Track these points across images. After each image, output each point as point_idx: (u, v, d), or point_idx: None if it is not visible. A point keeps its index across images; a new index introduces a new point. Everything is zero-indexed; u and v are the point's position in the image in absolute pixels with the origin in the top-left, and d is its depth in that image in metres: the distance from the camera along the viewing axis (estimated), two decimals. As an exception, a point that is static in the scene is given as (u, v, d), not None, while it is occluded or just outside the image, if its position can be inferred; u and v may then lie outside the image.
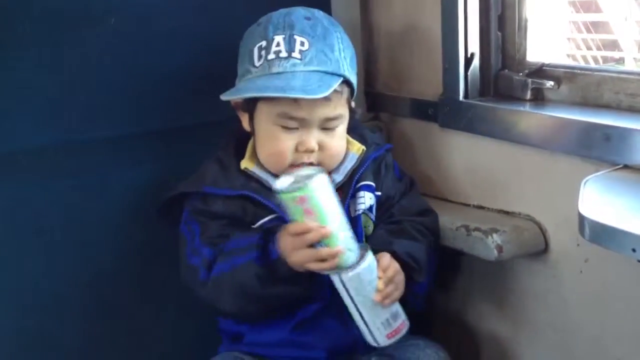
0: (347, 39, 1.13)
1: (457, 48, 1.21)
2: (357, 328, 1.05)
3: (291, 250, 1.01)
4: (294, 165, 1.09)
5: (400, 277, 1.07)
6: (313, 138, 1.08)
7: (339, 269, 1.00)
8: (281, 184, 0.99)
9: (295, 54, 1.07)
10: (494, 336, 1.27)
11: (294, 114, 1.07)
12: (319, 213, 0.97)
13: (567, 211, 1.06)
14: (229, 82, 1.12)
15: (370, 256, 1.02)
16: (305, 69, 1.07)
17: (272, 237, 1.04)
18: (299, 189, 0.96)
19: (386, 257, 1.06)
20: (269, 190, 1.09)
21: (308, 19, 1.10)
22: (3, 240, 1.15)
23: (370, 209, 1.16)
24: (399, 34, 1.37)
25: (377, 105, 1.44)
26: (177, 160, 1.24)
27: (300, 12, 1.11)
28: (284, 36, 1.08)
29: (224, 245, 1.09)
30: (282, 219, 1.07)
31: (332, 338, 1.10)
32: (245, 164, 1.13)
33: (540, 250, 1.15)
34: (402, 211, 1.20)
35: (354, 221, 1.14)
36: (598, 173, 1.00)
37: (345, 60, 1.10)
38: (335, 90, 1.06)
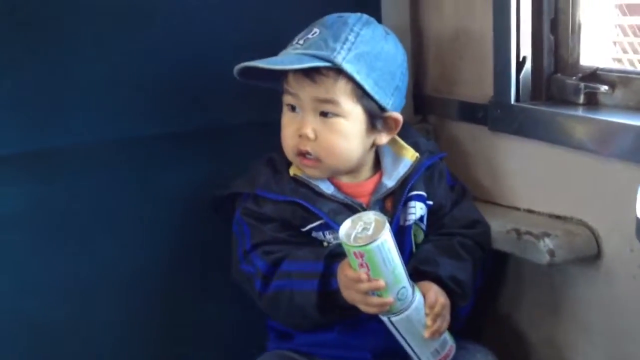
0: (375, 40, 1.10)
1: (509, 51, 1.20)
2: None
3: (344, 288, 1.03)
4: (299, 154, 1.10)
5: (447, 309, 1.07)
6: (309, 123, 1.09)
7: (385, 313, 1.02)
8: (344, 229, 0.99)
9: (301, 41, 1.09)
10: (544, 342, 1.26)
11: (288, 88, 1.09)
12: (374, 269, 0.98)
13: (621, 216, 1.05)
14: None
15: (417, 297, 1.03)
16: (299, 52, 1.08)
17: (334, 265, 1.05)
18: (358, 245, 0.97)
19: (432, 294, 1.06)
20: (318, 195, 1.11)
21: (340, 16, 1.11)
22: (54, 234, 1.17)
23: (421, 219, 1.16)
24: (448, 37, 1.37)
25: (426, 108, 1.44)
26: (224, 159, 1.25)
27: (350, 15, 1.11)
28: (308, 28, 1.10)
29: (280, 258, 1.09)
30: (329, 226, 1.10)
31: (378, 340, 1.11)
32: (294, 170, 1.14)
33: (593, 256, 1.14)
34: (453, 222, 1.19)
35: (404, 231, 1.14)
36: (654, 178, 0.99)
37: (347, 52, 1.06)
38: (322, 74, 1.06)
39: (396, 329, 1.03)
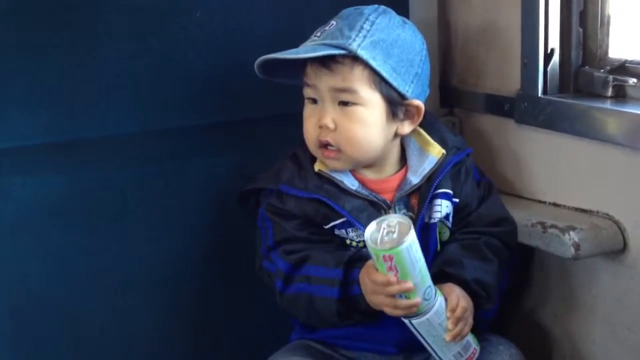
0: (391, 28, 1.09)
1: (537, 44, 1.20)
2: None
3: (370, 292, 1.02)
4: (320, 146, 1.10)
5: (469, 312, 1.06)
6: (328, 113, 1.09)
7: (411, 315, 1.02)
8: (370, 233, 0.98)
9: (318, 33, 1.10)
10: (568, 335, 1.26)
11: (306, 80, 1.10)
12: (402, 271, 0.98)
13: (648, 210, 1.05)
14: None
15: (438, 300, 1.02)
16: (315, 43, 1.08)
17: (354, 271, 1.05)
18: (386, 249, 0.96)
19: (454, 297, 1.05)
20: (342, 191, 1.11)
21: (357, 8, 1.11)
22: (85, 224, 1.19)
23: (446, 216, 1.15)
24: (476, 30, 1.37)
25: (452, 101, 1.44)
26: (257, 151, 1.27)
27: (367, 6, 1.11)
28: (328, 22, 1.11)
29: (301, 259, 1.10)
30: (351, 224, 1.09)
31: (403, 333, 1.10)
32: (319, 165, 1.14)
33: (618, 250, 1.13)
34: (479, 220, 1.18)
35: (429, 228, 1.13)
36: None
37: (362, 39, 1.06)
38: (338, 62, 1.06)
39: (418, 331, 1.03)
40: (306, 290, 1.08)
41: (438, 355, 1.06)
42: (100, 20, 1.15)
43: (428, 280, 1.01)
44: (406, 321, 1.03)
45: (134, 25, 1.17)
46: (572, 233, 1.12)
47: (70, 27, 1.13)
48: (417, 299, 1.00)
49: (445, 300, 1.04)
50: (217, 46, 1.23)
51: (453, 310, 1.03)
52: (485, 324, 1.14)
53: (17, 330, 1.18)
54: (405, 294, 0.99)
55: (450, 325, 1.03)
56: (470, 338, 1.08)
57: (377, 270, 0.99)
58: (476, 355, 1.09)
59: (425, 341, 1.05)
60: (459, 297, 1.05)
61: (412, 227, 0.97)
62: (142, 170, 1.22)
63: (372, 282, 1.01)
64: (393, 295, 0.99)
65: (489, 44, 1.35)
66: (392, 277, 0.98)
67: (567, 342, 1.26)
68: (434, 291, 1.02)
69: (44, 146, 1.14)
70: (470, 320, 1.06)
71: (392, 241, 0.96)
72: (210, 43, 1.22)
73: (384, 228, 0.98)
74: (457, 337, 1.04)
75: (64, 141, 1.16)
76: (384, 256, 0.97)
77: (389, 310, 1.01)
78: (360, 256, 1.07)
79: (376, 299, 1.02)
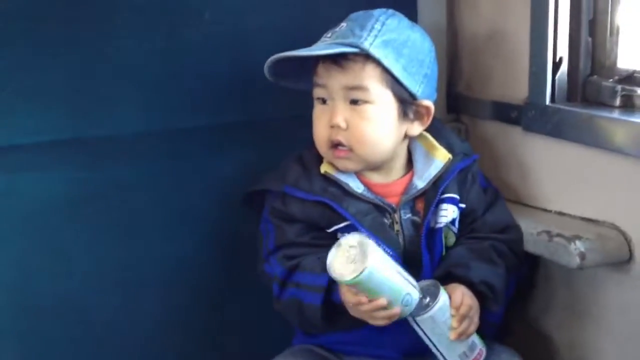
0: (401, 29, 1.10)
1: (545, 52, 1.20)
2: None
3: (350, 307, 1.03)
4: (331, 146, 1.10)
5: (475, 311, 1.06)
6: (339, 112, 1.09)
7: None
8: (333, 267, 0.97)
9: (329, 34, 1.10)
10: (573, 345, 1.25)
11: (317, 80, 1.10)
12: (371, 293, 0.98)
13: (655, 221, 1.04)
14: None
15: (442, 297, 1.02)
16: (326, 43, 1.09)
17: None
18: (348, 280, 0.96)
19: (458, 294, 1.05)
20: (346, 195, 1.11)
21: (367, 11, 1.11)
22: (92, 223, 1.19)
23: (452, 222, 1.15)
24: (484, 37, 1.37)
25: (459, 107, 1.44)
26: (265, 152, 1.26)
27: (377, 9, 1.12)
28: (337, 24, 1.11)
29: (295, 265, 1.10)
30: (354, 227, 1.09)
31: (407, 339, 1.10)
32: (325, 167, 1.14)
33: (624, 260, 1.13)
34: (485, 226, 1.18)
35: (434, 233, 1.13)
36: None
37: (374, 38, 1.07)
38: (350, 60, 1.07)
39: (422, 329, 1.03)
40: (296, 296, 1.09)
41: (443, 356, 1.05)
42: (110, 19, 1.16)
43: (404, 288, 1.00)
44: (410, 319, 1.02)
45: (144, 24, 1.18)
46: (577, 242, 1.11)
47: (81, 25, 1.14)
48: (395, 309, 0.99)
49: (450, 298, 1.03)
50: (226, 47, 1.23)
51: (457, 308, 1.03)
52: (492, 327, 1.14)
53: (23, 328, 1.18)
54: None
55: (454, 323, 1.03)
56: (476, 338, 1.07)
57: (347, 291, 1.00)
58: (483, 356, 1.08)
59: (430, 340, 1.04)
60: (463, 294, 1.06)
61: (371, 244, 0.96)
62: (150, 169, 1.22)
63: (345, 300, 1.02)
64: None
65: (496, 51, 1.34)
66: (362, 297, 0.98)
67: (571, 351, 1.26)
68: (416, 295, 1.01)
69: (53, 143, 1.15)
70: (476, 319, 1.06)
71: (354, 269, 0.95)
72: (219, 44, 1.23)
73: (344, 254, 0.97)
74: (462, 335, 1.04)
75: (72, 139, 1.16)
76: (347, 285, 0.98)
77: (371, 322, 1.02)
78: None
79: (355, 312, 1.02)
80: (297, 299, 1.08)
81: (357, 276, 0.94)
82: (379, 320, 1.01)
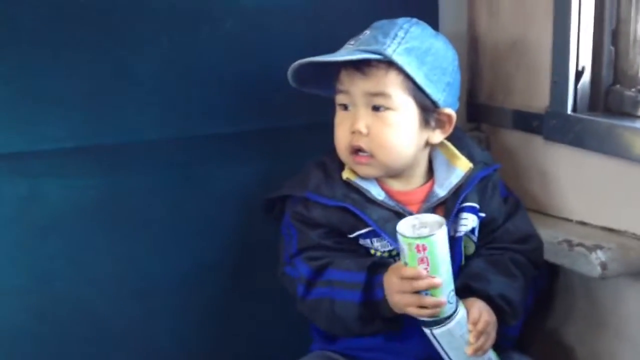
0: (424, 37, 1.10)
1: (567, 61, 1.20)
2: None
3: (396, 291, 1.02)
4: (352, 152, 1.10)
5: (492, 327, 1.06)
6: (361, 118, 1.09)
7: (435, 317, 1.01)
8: (403, 226, 0.99)
9: (352, 41, 1.11)
10: (593, 356, 1.25)
11: (339, 86, 1.10)
12: (433, 264, 0.98)
13: (677, 232, 1.04)
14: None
15: (461, 311, 1.02)
16: (348, 49, 1.09)
17: (377, 276, 1.05)
18: (421, 238, 0.97)
19: (476, 310, 1.04)
20: (368, 201, 1.11)
21: (390, 19, 1.12)
22: (112, 228, 1.20)
23: (472, 231, 1.15)
24: (505, 46, 1.37)
25: (479, 116, 1.44)
26: (284, 159, 1.27)
27: (400, 18, 1.12)
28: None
29: (324, 265, 1.10)
30: (376, 233, 1.09)
31: (423, 346, 1.09)
32: (347, 173, 1.14)
33: (646, 271, 1.13)
34: (505, 236, 1.18)
35: (454, 242, 1.12)
36: None
37: (397, 46, 1.07)
38: (373, 66, 1.07)
39: (439, 342, 1.03)
40: (328, 295, 1.08)
41: None
42: (129, 27, 1.16)
43: (452, 284, 1.00)
44: (427, 331, 1.02)
45: (166, 32, 1.18)
46: (599, 252, 1.11)
47: (101, 34, 1.15)
48: (442, 297, 0.99)
49: (468, 311, 1.03)
50: (246, 54, 1.23)
51: (475, 323, 1.03)
52: (510, 341, 1.14)
53: (42, 330, 1.18)
54: (432, 291, 0.99)
55: (472, 338, 1.02)
56: (491, 354, 1.07)
57: (406, 265, 0.99)
58: None
59: (447, 354, 1.04)
60: (481, 310, 1.05)
61: (445, 224, 0.98)
62: (170, 177, 1.23)
63: (400, 278, 1.00)
64: (419, 293, 0.99)
65: (518, 60, 1.34)
66: (422, 270, 0.98)
67: (592, 362, 1.26)
68: (456, 298, 1.01)
69: (75, 150, 1.16)
70: (493, 335, 1.06)
71: (428, 230, 0.97)
72: (239, 52, 1.23)
73: (416, 224, 0.99)
74: (479, 351, 1.03)
75: (94, 145, 1.17)
76: (417, 246, 0.97)
77: (413, 311, 1.01)
78: (383, 262, 1.07)
79: (401, 298, 1.01)
80: (328, 298, 1.08)
81: (430, 236, 0.96)
82: (423, 309, 1.00)
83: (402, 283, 1.00)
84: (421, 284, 0.98)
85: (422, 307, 1.00)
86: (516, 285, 1.12)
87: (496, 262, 1.13)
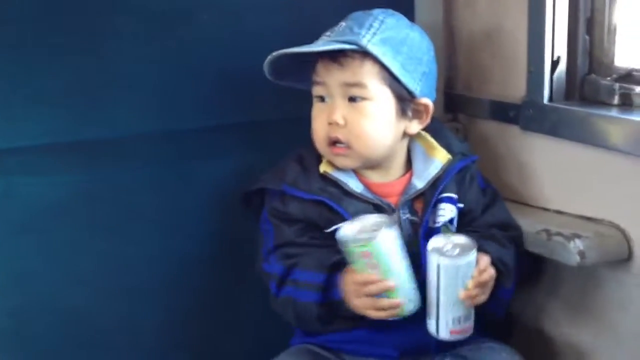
0: (399, 27, 1.11)
1: (543, 51, 1.20)
2: (426, 314, 1.06)
3: (353, 296, 1.03)
4: (330, 144, 1.11)
5: (490, 284, 1.07)
6: (338, 109, 1.09)
7: (397, 317, 1.02)
8: (346, 232, 0.98)
9: (328, 32, 1.11)
10: (572, 344, 1.25)
11: (316, 78, 1.11)
12: (384, 267, 0.98)
13: (654, 219, 1.04)
14: (315, 79, 1.14)
15: (473, 255, 1.02)
16: (324, 40, 1.10)
17: (337, 277, 1.06)
18: (363, 244, 0.96)
19: (485, 260, 1.06)
20: (345, 194, 1.11)
21: (366, 11, 1.12)
22: (91, 225, 1.20)
23: (451, 221, 1.15)
24: (481, 36, 1.37)
25: (456, 106, 1.44)
26: (265, 153, 1.26)
27: (376, 9, 1.13)
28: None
29: (294, 263, 1.10)
30: None
31: (406, 337, 1.10)
32: (324, 167, 1.14)
33: (624, 259, 1.13)
34: (485, 226, 1.19)
35: (433, 232, 1.13)
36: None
37: (372, 36, 1.07)
38: (348, 56, 1.07)
39: (438, 274, 1.02)
40: (292, 295, 1.09)
41: (438, 310, 1.04)
42: (111, 22, 1.16)
43: (412, 281, 1.00)
44: (434, 259, 1.01)
45: (142, 27, 1.18)
46: (577, 241, 1.11)
47: (81, 29, 1.14)
48: (400, 298, 0.99)
49: (477, 261, 1.04)
50: (225, 48, 1.24)
51: (480, 273, 1.04)
52: (501, 306, 1.15)
53: (20, 330, 1.17)
54: (388, 292, 0.99)
55: (470, 284, 1.03)
56: (472, 313, 1.07)
57: (355, 271, 1.00)
58: (469, 333, 1.07)
59: (437, 289, 1.03)
60: (488, 263, 1.06)
61: (392, 223, 0.98)
62: (150, 172, 1.22)
63: (352, 283, 1.02)
64: (375, 296, 1.00)
65: (494, 50, 1.35)
66: (372, 275, 0.98)
67: (571, 350, 1.26)
68: (418, 295, 1.01)
69: (52, 146, 1.15)
70: (487, 293, 1.07)
71: (368, 237, 0.96)
72: (218, 46, 1.23)
73: (361, 226, 0.98)
74: (470, 299, 1.04)
75: (71, 141, 1.16)
76: (360, 253, 0.97)
77: (373, 314, 1.02)
78: (345, 261, 1.06)
79: (359, 302, 1.03)
80: (292, 297, 1.09)
81: (371, 240, 0.95)
82: (381, 311, 1.01)
83: (356, 287, 1.02)
84: (372, 288, 1.00)
85: (380, 309, 1.01)
86: (508, 252, 1.14)
87: (486, 236, 1.15)
